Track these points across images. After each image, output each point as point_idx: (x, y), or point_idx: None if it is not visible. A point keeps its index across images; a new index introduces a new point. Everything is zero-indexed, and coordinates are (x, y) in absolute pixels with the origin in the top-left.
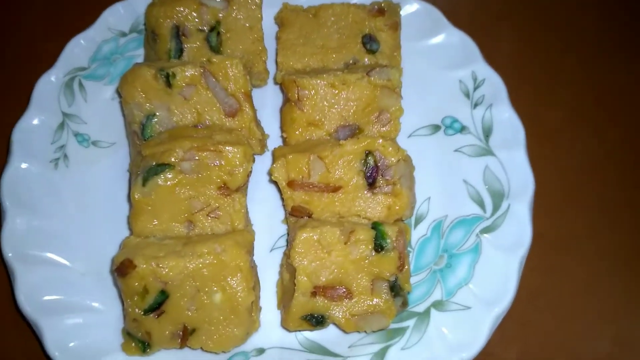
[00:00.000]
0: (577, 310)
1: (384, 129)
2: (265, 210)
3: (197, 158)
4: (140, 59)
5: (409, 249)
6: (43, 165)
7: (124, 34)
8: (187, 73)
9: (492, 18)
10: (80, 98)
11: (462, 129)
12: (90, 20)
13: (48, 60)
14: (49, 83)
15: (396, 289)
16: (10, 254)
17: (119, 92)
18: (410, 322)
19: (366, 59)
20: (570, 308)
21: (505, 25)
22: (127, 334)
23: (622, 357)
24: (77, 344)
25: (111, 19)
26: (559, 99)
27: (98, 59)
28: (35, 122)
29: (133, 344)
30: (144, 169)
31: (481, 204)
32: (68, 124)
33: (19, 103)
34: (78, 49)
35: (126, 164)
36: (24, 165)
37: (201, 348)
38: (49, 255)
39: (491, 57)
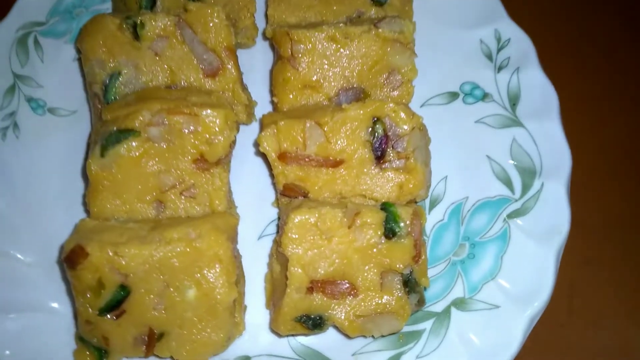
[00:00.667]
0: (621, 310)
1: (395, 93)
2: (252, 191)
3: (167, 122)
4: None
5: (423, 237)
6: None
7: None
8: (159, 23)
9: None
10: (35, 57)
11: (485, 97)
12: None
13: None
14: None
15: (411, 284)
16: None
17: (78, 48)
18: (427, 325)
19: (372, 12)
20: (614, 307)
21: None
22: (80, 339)
23: None
24: (17, 350)
25: None
26: (596, 64)
27: (58, 12)
28: None
29: (87, 352)
30: (103, 136)
31: (509, 183)
32: (20, 87)
33: None
34: (35, 1)
35: (84, 133)
36: None
37: (171, 357)
38: None
39: (517, 14)
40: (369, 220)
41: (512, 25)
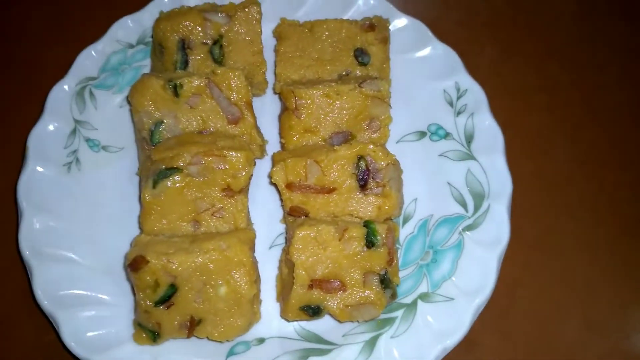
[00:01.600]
0: (551, 300)
1: (375, 135)
2: (264, 211)
3: (203, 162)
4: (146, 69)
5: (397, 245)
6: (56, 169)
7: (131, 46)
8: (193, 84)
9: (475, 31)
10: (90, 106)
11: (446, 135)
12: (98, 29)
13: (59, 69)
14: (61, 91)
15: (386, 282)
16: (27, 252)
17: (128, 101)
18: (399, 313)
19: (358, 71)
20: (545, 298)
21: (486, 37)
22: (138, 324)
23: (591, 339)
24: (91, 335)
25: (120, 32)
26: (537, 105)
27: (107, 69)
28: (49, 128)
29: (144, 334)
30: (154, 173)
31: (464, 204)
32: (80, 130)
33: (30, 109)
34: (88, 60)
35: (134, 167)
36: (39, 169)
37: (207, 337)
38: (63, 252)
39: (473, 68)
40: (354, 235)
41: (469, 78)
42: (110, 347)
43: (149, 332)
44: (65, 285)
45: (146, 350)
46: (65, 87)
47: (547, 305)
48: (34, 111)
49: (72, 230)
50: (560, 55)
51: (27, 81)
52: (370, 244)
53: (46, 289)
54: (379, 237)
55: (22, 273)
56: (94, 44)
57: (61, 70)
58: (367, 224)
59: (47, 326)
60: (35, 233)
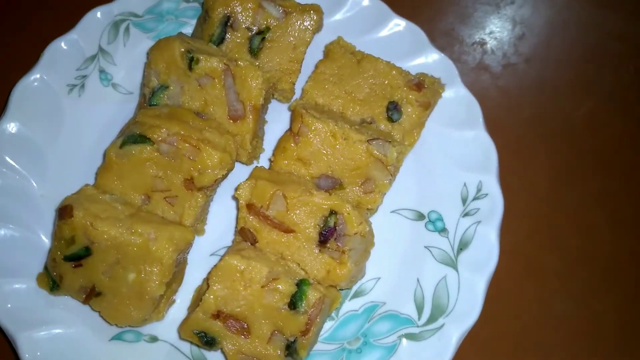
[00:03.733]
0: None
1: (365, 196)
2: (226, 217)
3: (176, 145)
4: (190, 28)
5: (333, 316)
6: (59, 85)
7: (187, 1)
8: (209, 64)
9: (530, 135)
10: (121, 40)
11: (442, 230)
12: None
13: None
14: (100, 15)
15: (291, 350)
16: None
17: (147, 53)
18: None
19: (382, 125)
20: None
21: (541, 148)
22: (45, 268)
23: None
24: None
25: None
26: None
27: (154, 12)
28: (72, 43)
29: (46, 280)
30: (128, 133)
31: (420, 309)
32: (100, 58)
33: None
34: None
35: (131, 114)
36: (43, 77)
37: (99, 312)
38: (19, 167)
39: (507, 177)
40: (281, 288)
41: (496, 184)
42: (13, 274)
43: (50, 279)
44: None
45: (42, 296)
46: (106, 12)
47: None
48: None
49: (41, 148)
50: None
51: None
52: (292, 305)
53: None
54: (304, 304)
55: None
56: None
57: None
58: (300, 284)
59: None
60: (5, 136)
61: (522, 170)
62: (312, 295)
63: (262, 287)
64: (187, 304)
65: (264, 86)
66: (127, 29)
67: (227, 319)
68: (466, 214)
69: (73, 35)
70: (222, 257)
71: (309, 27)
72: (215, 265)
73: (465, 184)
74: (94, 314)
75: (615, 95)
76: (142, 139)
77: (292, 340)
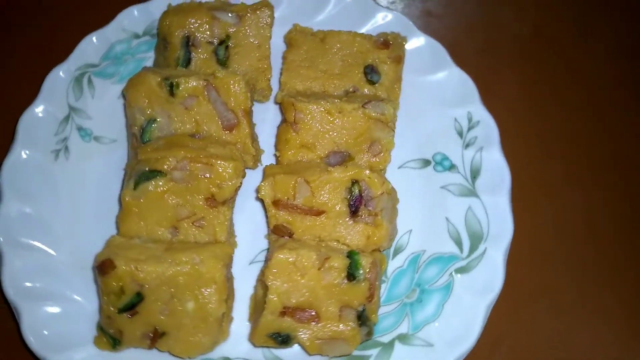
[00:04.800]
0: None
1: (374, 159)
2: (250, 223)
3: (188, 168)
4: (150, 62)
5: (383, 278)
6: (44, 155)
7: (137, 36)
8: (190, 84)
9: (496, 62)
10: (87, 93)
11: (451, 167)
12: (104, 17)
13: (61, 55)
14: (59, 75)
15: (363, 319)
16: (0, 238)
17: (124, 95)
18: (374, 352)
19: (366, 89)
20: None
21: (507, 70)
22: (100, 328)
23: None
24: (52, 332)
25: (126, 21)
26: (551, 151)
27: (109, 57)
28: (41, 111)
29: (104, 339)
30: (137, 173)
31: (459, 243)
32: (73, 117)
33: (31, 96)
34: (91, 46)
35: (123, 162)
36: (25, 153)
37: (168, 351)
38: (37, 243)
39: (489, 100)
40: (335, 265)
41: (483, 110)
42: (70, 347)
43: (110, 338)
44: (34, 277)
45: (105, 356)
46: (63, 71)
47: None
48: (32, 96)
49: (50, 221)
50: (580, 102)
51: (28, 65)
52: (351, 276)
53: (14, 277)
54: (361, 271)
55: None
56: (99, 30)
57: (64, 56)
58: (350, 255)
59: (7, 315)
60: (11, 219)
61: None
62: (365, 261)
63: (319, 269)
64: (245, 317)
65: (247, 89)
66: (89, 80)
67: (295, 312)
68: (467, 145)
69: (40, 103)
70: (271, 256)
71: (265, 23)
72: (266, 267)
73: (455, 119)
74: (162, 357)
75: None
76: (154, 173)
77: (361, 310)
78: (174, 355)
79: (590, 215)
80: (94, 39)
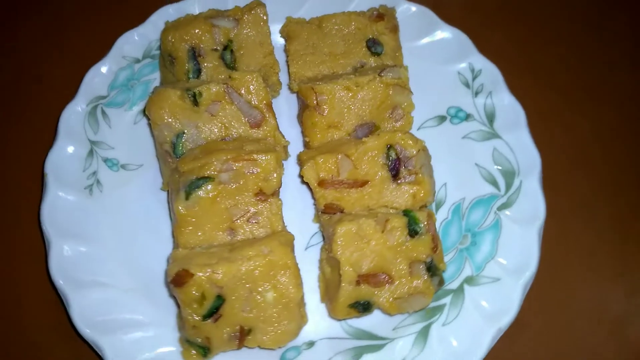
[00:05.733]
0: (588, 271)
1: (398, 123)
2: (294, 212)
3: (234, 168)
4: (156, 82)
5: None
6: (78, 193)
7: (138, 60)
8: (212, 90)
9: (481, 14)
10: (104, 125)
11: (467, 117)
12: (101, 45)
13: (64, 87)
14: (73, 114)
15: (432, 269)
16: (61, 281)
17: (146, 115)
18: (447, 300)
19: (372, 62)
20: (583, 267)
21: (493, 20)
22: (186, 341)
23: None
24: (140, 358)
25: (125, 47)
26: (551, 81)
27: (116, 86)
28: (66, 152)
29: (193, 351)
30: (185, 184)
31: (494, 183)
32: (96, 150)
33: (39, 128)
34: (97, 79)
35: (156, 183)
36: (60, 194)
37: (258, 346)
38: (97, 277)
39: (484, 50)
40: (396, 225)
41: (482, 58)
42: None
43: (198, 348)
44: (104, 310)
45: None
46: (77, 108)
47: (586, 276)
48: (43, 131)
49: (103, 253)
50: (564, 36)
51: (34, 100)
52: (413, 232)
53: (85, 316)
54: (421, 225)
55: (53, 299)
56: (101, 61)
57: (66, 88)
58: (407, 213)
59: (85, 352)
60: (66, 260)
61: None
62: (421, 215)
63: (382, 232)
64: (316, 300)
65: (265, 83)
66: (103, 112)
67: (369, 278)
68: (477, 93)
69: (61, 143)
70: (334, 231)
71: (261, 20)
72: (332, 242)
73: (459, 72)
74: (251, 354)
75: None
76: (203, 180)
77: (429, 261)
78: (264, 348)
79: (601, 138)
80: (100, 70)
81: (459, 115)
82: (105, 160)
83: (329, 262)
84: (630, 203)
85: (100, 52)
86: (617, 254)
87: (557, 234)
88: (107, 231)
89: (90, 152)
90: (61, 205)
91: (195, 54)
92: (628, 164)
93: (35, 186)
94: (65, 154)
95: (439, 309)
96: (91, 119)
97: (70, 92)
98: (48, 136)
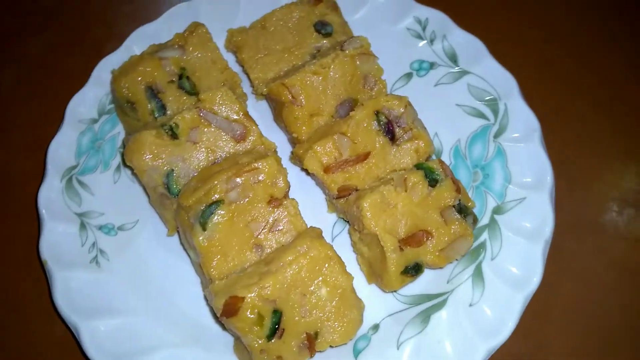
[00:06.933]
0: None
1: (374, 91)
2: (305, 211)
3: (239, 183)
4: (121, 135)
5: None
6: (86, 270)
7: (95, 120)
8: (187, 117)
9: None
10: (85, 194)
11: (432, 66)
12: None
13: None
14: (51, 192)
15: (463, 210)
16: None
17: (128, 166)
18: (485, 235)
19: (326, 43)
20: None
21: None
22: None
23: None
24: None
25: (78, 110)
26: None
27: (83, 152)
28: (57, 233)
29: None
30: (197, 216)
31: (481, 115)
32: (87, 222)
33: (25, 219)
34: (61, 150)
35: (158, 232)
36: (69, 276)
37: (330, 346)
38: (142, 344)
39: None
40: (415, 180)
41: (424, 8)
42: None
43: None
44: None
45: None
46: (51, 186)
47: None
48: (27, 218)
49: (136, 320)
50: None
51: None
52: (433, 182)
53: None
54: (438, 172)
55: None
56: (59, 132)
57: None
58: (419, 166)
59: None
60: (103, 338)
61: None
62: (433, 164)
63: (405, 191)
64: (363, 285)
65: (234, 95)
66: (79, 182)
67: (409, 240)
68: (432, 41)
69: (48, 228)
70: (360, 207)
71: (206, 39)
72: (362, 219)
73: (407, 28)
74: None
75: None
76: (213, 205)
77: (457, 203)
78: (336, 346)
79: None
80: (60, 141)
81: (424, 67)
82: (100, 227)
83: (364, 241)
84: (607, 91)
85: (53, 121)
86: (616, 137)
87: (558, 140)
88: (130, 297)
89: (82, 225)
90: (75, 287)
91: (153, 92)
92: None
93: (39, 274)
94: (57, 235)
95: (482, 246)
96: (70, 192)
97: (35, 169)
98: (32, 222)
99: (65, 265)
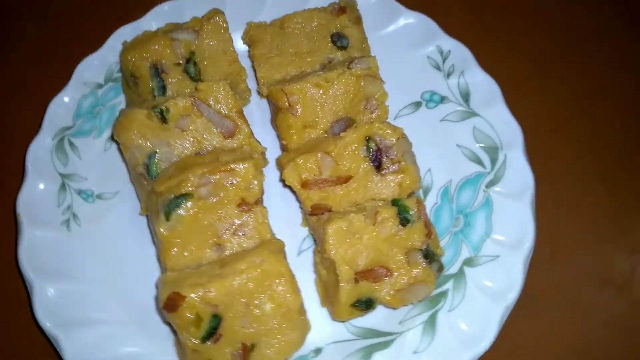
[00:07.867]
0: (586, 233)
1: (374, 114)
2: (281, 218)
3: (212, 181)
4: (121, 105)
5: None
6: (55, 230)
7: (100, 86)
8: (179, 105)
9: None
10: (73, 156)
11: (442, 100)
12: (61, 76)
13: (30, 123)
14: (40, 149)
15: (430, 255)
16: (48, 323)
17: (115, 140)
18: (449, 285)
19: (339, 56)
20: (581, 230)
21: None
22: None
23: None
24: None
25: (85, 73)
26: (521, 52)
27: (81, 114)
28: (37, 189)
29: None
30: (164, 204)
31: (479, 161)
32: (68, 184)
33: (10, 170)
34: (61, 109)
35: (134, 209)
36: (37, 234)
37: None
38: (87, 314)
39: (449, 29)
40: (386, 216)
41: (449, 39)
42: None
43: None
44: (99, 348)
45: None
46: (43, 143)
47: (591, 239)
48: (12, 169)
49: (89, 289)
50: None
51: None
52: (404, 220)
53: (80, 357)
54: (411, 212)
55: (42, 343)
56: (62, 91)
57: (29, 122)
58: (395, 202)
59: None
60: (51, 301)
61: None
62: (410, 203)
63: (373, 225)
64: (314, 306)
65: (233, 91)
66: (70, 143)
67: (367, 274)
68: (448, 75)
69: (30, 181)
70: (324, 231)
71: (221, 28)
72: (324, 242)
73: (428, 56)
74: None
75: None
76: (181, 197)
77: (425, 247)
78: None
79: (579, 99)
80: (64, 99)
81: (434, 99)
82: (79, 192)
83: (324, 264)
84: (614, 158)
85: (60, 82)
86: (612, 212)
87: (550, 201)
88: (90, 265)
89: (63, 186)
90: (39, 245)
91: (158, 71)
92: (607, 121)
93: (8, 227)
94: (36, 192)
95: (443, 295)
96: (59, 152)
97: (34, 126)
98: (16, 174)
99: (37, 222)
